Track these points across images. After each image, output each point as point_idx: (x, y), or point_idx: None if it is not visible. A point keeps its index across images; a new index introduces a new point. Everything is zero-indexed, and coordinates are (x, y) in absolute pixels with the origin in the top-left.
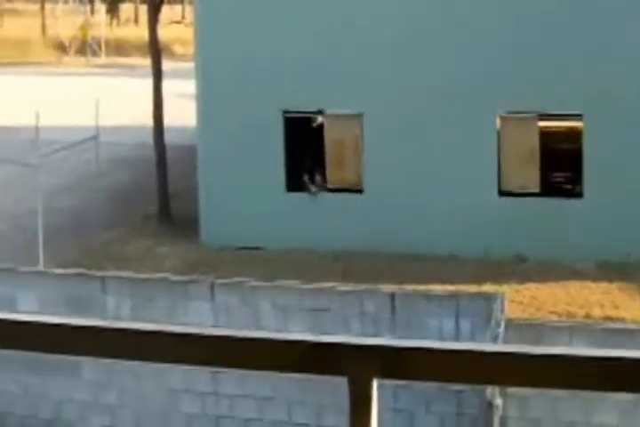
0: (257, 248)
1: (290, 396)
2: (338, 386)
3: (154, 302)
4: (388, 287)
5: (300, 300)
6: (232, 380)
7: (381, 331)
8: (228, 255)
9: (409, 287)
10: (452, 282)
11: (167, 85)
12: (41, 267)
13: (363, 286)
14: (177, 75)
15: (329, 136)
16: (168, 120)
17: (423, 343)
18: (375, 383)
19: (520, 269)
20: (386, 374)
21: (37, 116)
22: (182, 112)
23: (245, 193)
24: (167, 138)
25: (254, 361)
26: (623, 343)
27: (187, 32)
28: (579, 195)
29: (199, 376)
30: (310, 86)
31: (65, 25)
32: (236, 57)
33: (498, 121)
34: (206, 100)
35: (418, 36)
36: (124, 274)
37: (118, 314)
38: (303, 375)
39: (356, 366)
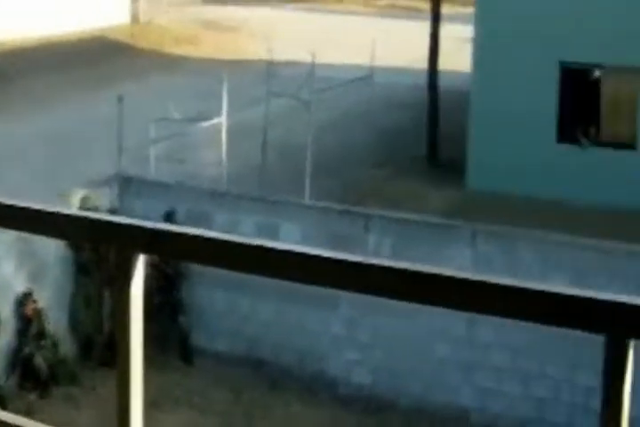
0: (522, 197)
1: (544, 349)
2: (596, 344)
3: (414, 244)
4: None
5: (561, 254)
6: (488, 328)
7: None
8: (493, 202)
9: None
10: None
11: (450, 30)
12: (306, 200)
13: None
14: (461, 19)
15: (605, 89)
16: (446, 64)
17: None
18: (632, 344)
19: None
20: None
21: (313, 54)
22: (460, 57)
23: (515, 140)
24: (442, 82)
25: (509, 309)
26: None
27: None
28: None
29: (455, 322)
30: (589, 38)
31: None
32: (515, 4)
33: None
34: (482, 46)
35: None
36: (388, 213)
37: (378, 253)
38: (558, 329)
39: (614, 324)
